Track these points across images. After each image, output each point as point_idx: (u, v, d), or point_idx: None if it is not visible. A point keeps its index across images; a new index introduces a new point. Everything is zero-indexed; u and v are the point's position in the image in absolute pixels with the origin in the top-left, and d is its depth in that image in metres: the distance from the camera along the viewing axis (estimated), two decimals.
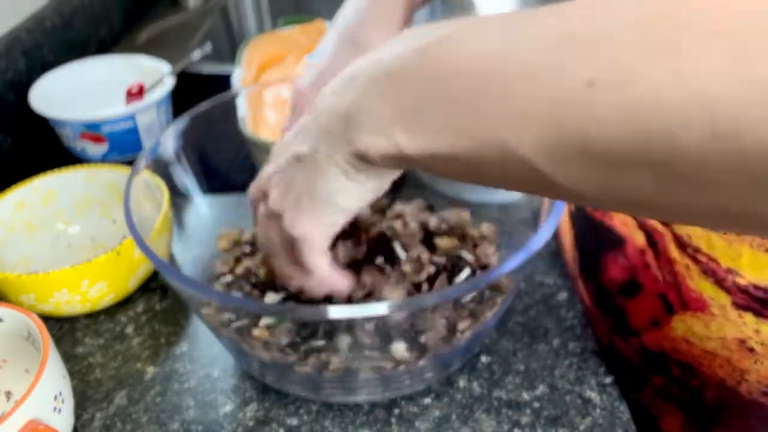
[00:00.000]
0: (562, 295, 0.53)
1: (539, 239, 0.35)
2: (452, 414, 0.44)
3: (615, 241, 0.48)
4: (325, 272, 0.36)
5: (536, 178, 0.23)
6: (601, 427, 0.42)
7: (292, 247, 0.35)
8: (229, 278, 0.47)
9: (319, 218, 0.32)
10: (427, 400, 0.44)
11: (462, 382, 0.46)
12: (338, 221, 0.33)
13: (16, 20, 0.78)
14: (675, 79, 0.18)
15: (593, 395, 0.45)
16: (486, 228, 0.49)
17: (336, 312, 0.31)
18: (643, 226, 0.45)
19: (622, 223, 0.47)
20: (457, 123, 0.24)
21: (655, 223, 0.43)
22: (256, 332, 0.39)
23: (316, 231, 0.33)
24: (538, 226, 0.46)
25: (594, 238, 0.51)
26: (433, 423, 0.43)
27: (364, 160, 0.29)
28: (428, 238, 0.48)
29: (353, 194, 0.31)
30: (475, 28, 0.25)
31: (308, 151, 0.31)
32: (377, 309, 0.31)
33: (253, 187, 0.39)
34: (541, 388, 0.45)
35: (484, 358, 0.47)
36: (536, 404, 0.44)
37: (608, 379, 0.46)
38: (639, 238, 0.45)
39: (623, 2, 0.21)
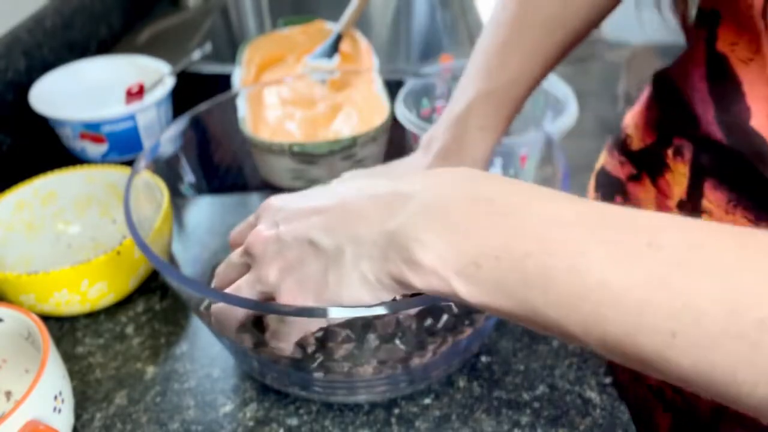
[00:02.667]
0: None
1: None
2: (452, 414, 0.44)
3: None
4: (286, 350, 0.36)
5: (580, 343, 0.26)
6: (601, 427, 0.42)
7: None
8: None
9: (299, 297, 0.31)
10: (427, 400, 0.44)
11: (462, 382, 0.46)
12: (333, 319, 0.33)
13: (16, 20, 0.78)
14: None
15: (593, 395, 0.45)
16: None
17: (336, 312, 0.31)
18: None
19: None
20: (525, 298, 0.25)
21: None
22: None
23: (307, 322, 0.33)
24: None
25: None
26: (433, 423, 0.43)
27: (401, 284, 0.28)
28: None
29: (362, 300, 0.30)
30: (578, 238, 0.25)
31: (330, 247, 0.30)
32: (381, 308, 0.31)
33: (237, 235, 0.39)
34: (541, 388, 0.45)
35: (484, 358, 0.47)
36: (536, 404, 0.44)
37: (608, 379, 0.46)
38: None
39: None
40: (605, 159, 0.55)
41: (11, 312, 0.42)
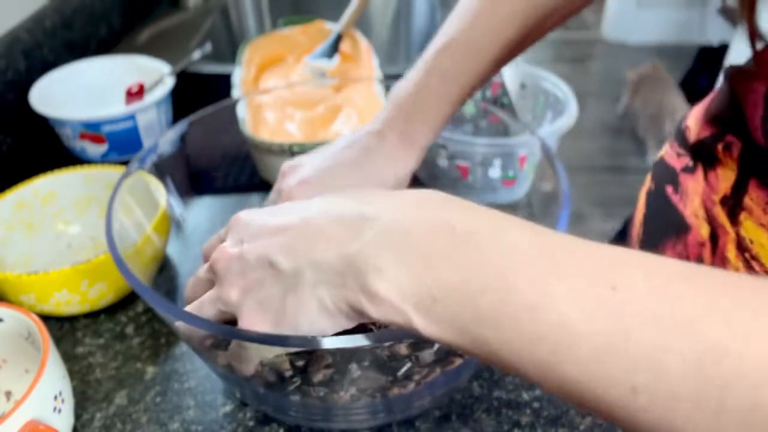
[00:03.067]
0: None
1: None
2: (452, 414, 0.44)
3: (681, 227, 0.48)
4: (246, 371, 0.35)
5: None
6: (601, 427, 0.42)
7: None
8: None
9: (259, 321, 0.30)
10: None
11: (462, 383, 0.46)
12: (290, 347, 0.31)
13: (16, 20, 0.78)
14: None
15: None
16: None
17: (330, 342, 0.31)
18: (710, 221, 0.45)
19: (693, 213, 0.47)
20: (479, 336, 0.24)
21: (723, 220, 0.43)
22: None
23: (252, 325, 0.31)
24: None
25: (663, 219, 0.51)
26: (433, 423, 0.43)
27: (359, 314, 0.27)
28: None
29: (321, 327, 0.29)
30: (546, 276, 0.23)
31: (289, 270, 0.28)
32: (372, 339, 0.30)
33: (208, 248, 0.39)
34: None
35: None
36: (536, 404, 0.44)
37: None
38: (704, 231, 0.45)
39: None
40: (666, 150, 0.56)
41: (11, 312, 0.42)
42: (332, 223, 0.28)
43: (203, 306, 0.33)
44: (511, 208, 0.58)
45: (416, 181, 0.66)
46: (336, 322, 0.28)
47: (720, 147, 0.45)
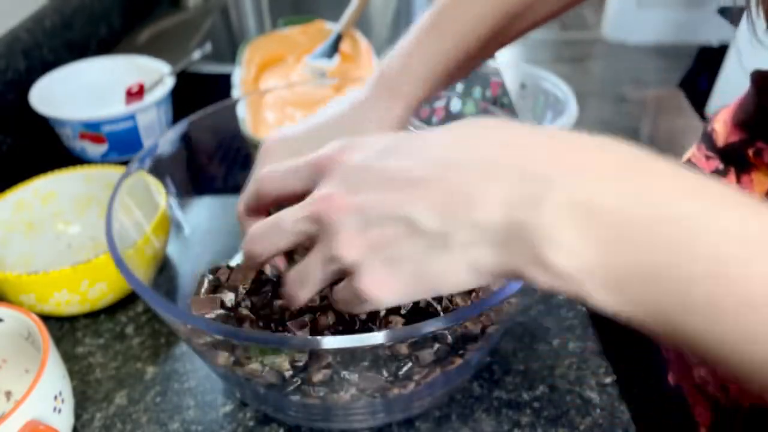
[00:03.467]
0: (562, 295, 0.53)
1: (512, 287, 0.33)
2: (452, 414, 0.44)
3: None
4: (304, 298, 0.30)
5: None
6: (601, 427, 0.42)
7: (334, 283, 0.29)
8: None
9: (410, 294, 0.26)
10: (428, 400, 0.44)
11: (462, 382, 0.46)
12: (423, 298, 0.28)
13: (16, 20, 0.78)
14: None
15: (593, 395, 0.45)
16: None
17: (330, 342, 0.31)
18: None
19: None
20: (681, 323, 0.22)
21: None
22: (250, 366, 0.38)
23: (394, 300, 0.27)
24: None
25: None
26: (433, 423, 0.43)
27: (516, 277, 0.25)
28: None
29: (463, 286, 0.26)
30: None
31: (435, 229, 0.25)
32: (375, 338, 0.31)
33: (278, 182, 0.32)
34: (541, 388, 0.45)
35: (484, 359, 0.47)
36: (536, 404, 0.44)
37: (608, 379, 0.46)
38: None
39: None
40: (692, 152, 0.56)
41: (11, 312, 0.42)
42: (488, 179, 0.24)
43: (308, 267, 0.28)
44: None
45: None
46: (481, 282, 0.26)
47: (751, 152, 0.45)
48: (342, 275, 0.28)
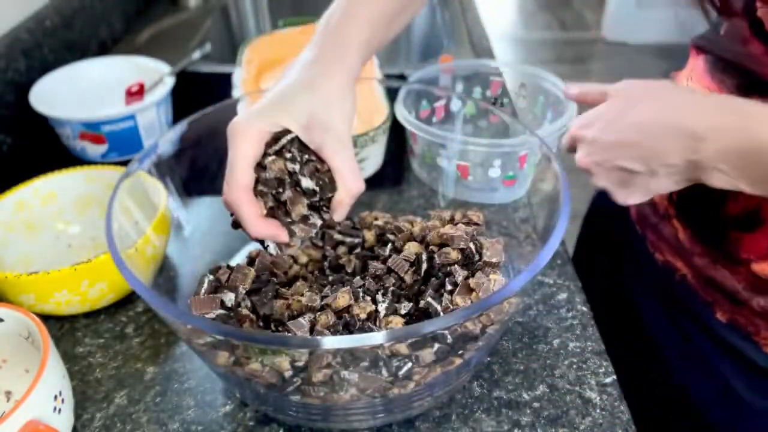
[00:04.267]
0: (562, 295, 0.53)
1: (512, 287, 0.34)
2: (452, 414, 0.44)
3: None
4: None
5: None
6: (601, 427, 0.42)
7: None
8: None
9: (637, 197, 0.46)
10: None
11: (462, 382, 0.45)
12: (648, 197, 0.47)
13: (16, 20, 0.78)
14: None
15: (593, 395, 0.45)
16: (491, 252, 0.46)
17: (330, 342, 0.31)
18: None
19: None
20: None
21: None
22: (250, 366, 0.38)
23: (637, 201, 0.47)
24: (537, 228, 0.46)
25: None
26: (433, 423, 0.43)
27: (696, 182, 0.43)
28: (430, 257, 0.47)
29: (671, 189, 0.45)
30: None
31: (645, 171, 0.44)
32: (375, 338, 0.31)
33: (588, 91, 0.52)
34: (541, 388, 0.45)
35: (484, 358, 0.47)
36: (536, 404, 0.44)
37: (608, 379, 0.46)
38: None
39: None
40: None
41: (11, 312, 0.42)
42: (670, 139, 0.42)
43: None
44: (511, 207, 0.58)
45: (414, 181, 0.66)
46: (681, 186, 0.44)
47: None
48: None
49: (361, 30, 0.48)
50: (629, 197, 0.46)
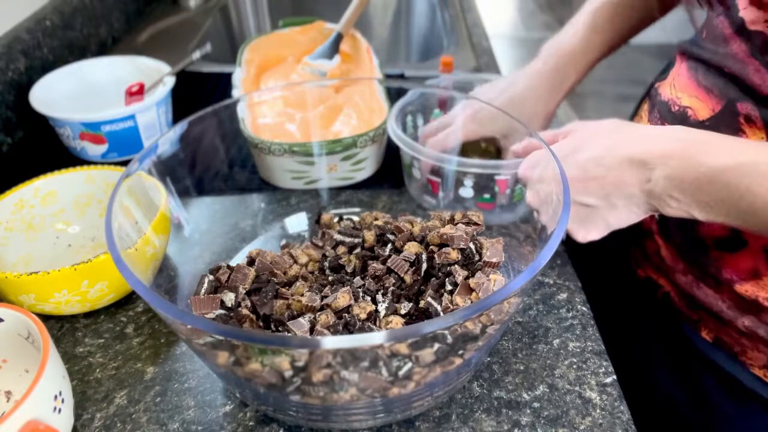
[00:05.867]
0: (562, 295, 0.53)
1: (512, 287, 0.34)
2: (452, 414, 0.44)
3: None
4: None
5: None
6: (601, 427, 0.42)
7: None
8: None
9: (602, 233, 0.47)
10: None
11: (462, 382, 0.46)
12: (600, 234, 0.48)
13: (16, 20, 0.78)
14: None
15: (593, 395, 0.45)
16: (491, 252, 0.46)
17: (330, 342, 0.31)
18: None
19: None
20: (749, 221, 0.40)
21: None
22: (250, 366, 0.38)
23: (594, 238, 0.48)
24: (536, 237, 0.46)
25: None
26: (433, 423, 0.43)
27: (655, 211, 0.44)
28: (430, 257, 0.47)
29: (630, 221, 0.46)
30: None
31: (599, 204, 0.45)
32: (375, 338, 0.31)
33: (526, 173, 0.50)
34: (541, 388, 0.45)
35: (484, 358, 0.47)
36: (536, 404, 0.44)
37: (608, 379, 0.46)
38: None
39: None
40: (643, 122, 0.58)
41: (11, 312, 0.42)
42: (624, 169, 0.43)
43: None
44: (508, 207, 0.58)
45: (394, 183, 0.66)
46: (637, 218, 0.45)
47: (741, 119, 0.46)
48: None
49: (588, 58, 0.63)
50: (588, 234, 0.47)
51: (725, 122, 0.47)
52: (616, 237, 0.61)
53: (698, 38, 0.51)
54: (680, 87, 0.52)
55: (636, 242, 0.59)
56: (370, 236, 0.51)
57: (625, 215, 0.45)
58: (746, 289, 0.48)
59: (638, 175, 0.42)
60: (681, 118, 0.51)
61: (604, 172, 0.44)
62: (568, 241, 0.68)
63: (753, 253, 0.47)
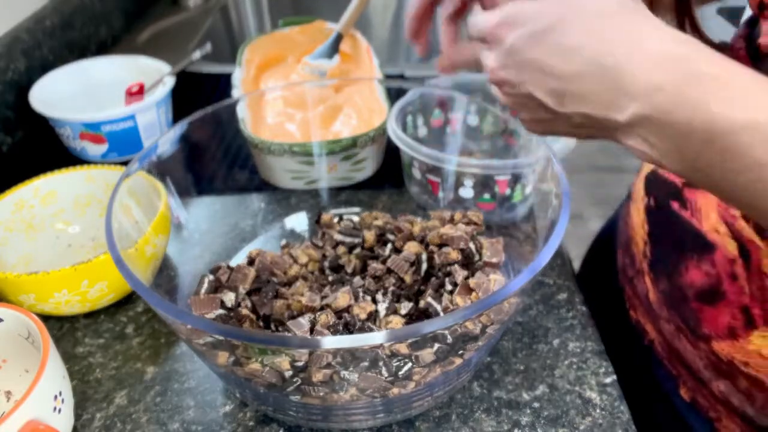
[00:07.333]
0: (562, 295, 0.53)
1: (512, 287, 0.34)
2: (452, 414, 0.44)
3: (702, 246, 0.46)
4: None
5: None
6: (601, 427, 0.42)
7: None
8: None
9: (540, 130, 0.39)
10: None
11: (462, 382, 0.46)
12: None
13: (16, 20, 0.78)
14: None
15: (593, 395, 0.45)
16: (491, 252, 0.46)
17: (330, 342, 0.31)
18: (737, 237, 0.43)
19: (713, 229, 0.45)
20: (722, 182, 0.30)
21: (751, 235, 0.42)
22: (250, 366, 0.38)
23: (537, 132, 0.39)
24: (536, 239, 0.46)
25: (675, 237, 0.49)
26: (433, 423, 0.43)
27: (610, 140, 0.35)
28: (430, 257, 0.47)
29: (570, 135, 0.37)
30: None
31: (560, 112, 0.35)
32: (375, 338, 0.31)
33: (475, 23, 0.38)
34: (541, 388, 0.45)
35: (484, 358, 0.47)
36: (536, 404, 0.44)
37: (608, 379, 0.46)
38: (731, 248, 0.43)
39: None
40: None
41: (11, 312, 0.42)
42: (594, 81, 0.32)
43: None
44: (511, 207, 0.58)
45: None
46: (583, 138, 0.37)
47: None
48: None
49: None
50: (536, 126, 0.38)
51: None
52: (615, 275, 0.58)
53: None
54: None
55: (630, 281, 0.56)
56: (370, 236, 0.51)
57: (567, 132, 0.36)
58: (723, 347, 0.44)
59: (610, 99, 0.31)
60: None
61: (573, 73, 0.32)
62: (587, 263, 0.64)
63: (731, 309, 0.44)
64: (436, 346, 0.37)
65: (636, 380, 0.54)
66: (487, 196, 0.58)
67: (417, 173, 0.61)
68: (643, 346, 0.54)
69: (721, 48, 0.41)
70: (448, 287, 0.43)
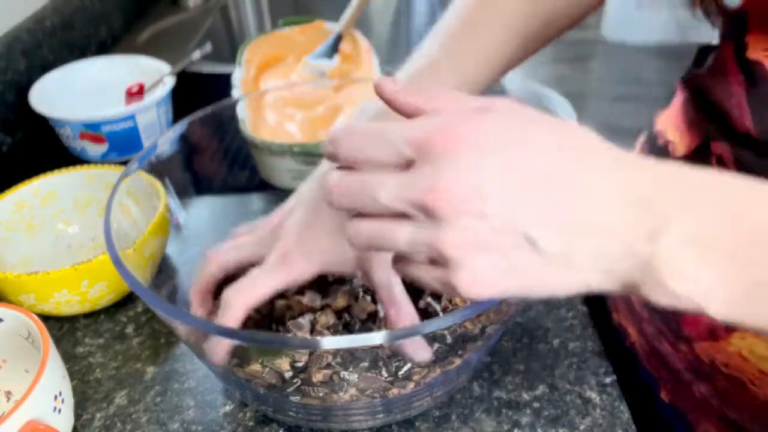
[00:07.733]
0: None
1: None
2: (452, 414, 0.44)
3: None
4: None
5: None
6: (601, 427, 0.42)
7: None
8: None
9: (507, 294, 0.26)
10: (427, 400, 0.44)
11: (462, 382, 0.45)
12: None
13: (16, 20, 0.78)
14: None
15: (593, 395, 0.45)
16: None
17: (330, 342, 0.31)
18: None
19: None
20: None
21: None
22: (251, 366, 0.38)
23: (487, 297, 0.26)
24: None
25: None
26: (433, 423, 0.43)
27: (630, 293, 0.26)
28: None
29: (570, 293, 0.26)
30: None
31: (555, 253, 0.25)
32: (375, 338, 0.31)
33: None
34: (541, 388, 0.45)
35: (484, 358, 0.47)
36: (536, 404, 0.44)
37: (608, 379, 0.46)
38: None
39: None
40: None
41: (11, 312, 0.42)
42: (611, 208, 0.24)
43: (392, 233, 0.26)
44: None
45: None
46: (587, 290, 0.26)
47: (714, 161, 0.44)
48: (430, 259, 0.26)
49: (456, 71, 0.43)
50: (481, 291, 0.26)
51: (697, 162, 0.44)
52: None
53: (703, 69, 0.45)
54: (671, 119, 0.50)
55: None
56: None
57: (568, 281, 0.25)
58: (704, 348, 0.44)
59: (636, 225, 0.24)
60: (662, 153, 0.48)
61: (582, 196, 0.24)
62: None
63: None
64: (436, 346, 0.37)
65: (635, 380, 0.54)
66: None
67: None
68: (625, 348, 0.53)
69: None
70: None
